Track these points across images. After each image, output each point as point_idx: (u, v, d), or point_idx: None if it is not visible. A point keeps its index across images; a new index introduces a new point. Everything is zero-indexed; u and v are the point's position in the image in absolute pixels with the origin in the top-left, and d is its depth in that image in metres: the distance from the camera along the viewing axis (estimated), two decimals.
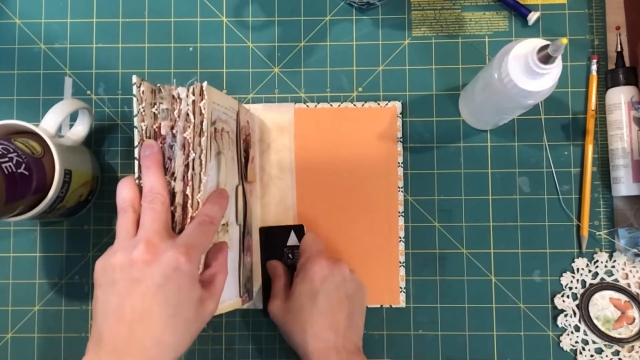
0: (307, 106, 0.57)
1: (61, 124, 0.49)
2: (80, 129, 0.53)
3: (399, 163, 0.56)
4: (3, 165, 0.43)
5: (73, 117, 0.54)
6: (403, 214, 0.56)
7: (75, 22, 0.58)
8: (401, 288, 0.55)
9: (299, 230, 0.55)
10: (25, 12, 0.58)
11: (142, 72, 0.57)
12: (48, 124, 0.48)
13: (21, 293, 0.56)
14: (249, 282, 0.54)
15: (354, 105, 0.57)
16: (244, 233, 0.52)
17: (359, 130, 0.56)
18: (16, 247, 0.56)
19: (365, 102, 0.57)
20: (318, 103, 0.57)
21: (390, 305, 0.55)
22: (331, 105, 0.57)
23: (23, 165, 0.44)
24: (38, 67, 0.58)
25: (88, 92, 0.58)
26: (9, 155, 0.44)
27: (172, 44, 0.58)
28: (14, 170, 0.43)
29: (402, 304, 0.55)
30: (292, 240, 0.54)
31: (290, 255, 0.54)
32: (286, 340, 0.50)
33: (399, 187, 0.56)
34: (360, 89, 0.57)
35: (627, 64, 0.55)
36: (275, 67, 0.58)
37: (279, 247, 0.55)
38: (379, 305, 0.55)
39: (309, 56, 0.58)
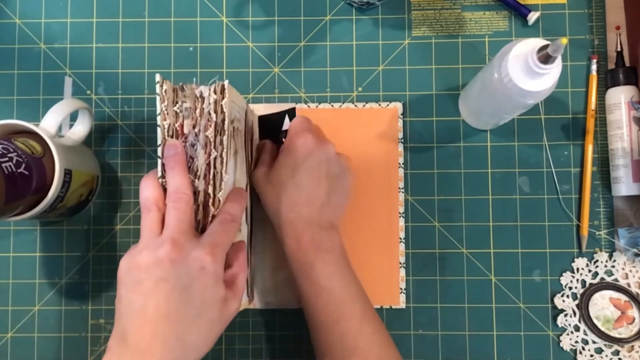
0: (309, 107, 0.57)
1: (61, 124, 0.49)
2: (80, 129, 0.53)
3: (399, 164, 0.56)
4: (3, 165, 0.43)
5: (73, 117, 0.54)
6: (403, 215, 0.56)
7: (75, 22, 0.58)
8: (401, 289, 0.55)
9: (292, 113, 0.55)
10: (25, 12, 0.58)
11: (142, 72, 0.58)
12: (48, 124, 0.48)
13: (21, 293, 0.56)
14: (253, 282, 0.54)
15: (355, 106, 0.57)
16: (251, 232, 0.53)
17: (359, 131, 0.56)
18: (16, 247, 0.56)
19: (367, 102, 0.57)
20: (319, 103, 0.57)
21: (390, 306, 0.55)
22: (332, 105, 0.57)
23: (23, 165, 0.44)
24: (38, 67, 0.58)
25: (88, 92, 0.58)
26: (9, 155, 0.44)
27: (172, 44, 0.58)
28: (14, 170, 0.43)
29: (402, 305, 0.55)
30: (287, 124, 0.55)
31: (284, 139, 0.53)
32: (264, 210, 0.50)
33: (399, 188, 0.56)
34: (360, 89, 0.57)
35: (627, 63, 0.55)
36: (275, 67, 0.58)
37: (276, 133, 0.55)
38: (379, 307, 0.55)
39: (309, 56, 0.58)
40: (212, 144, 0.42)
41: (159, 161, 0.42)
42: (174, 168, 0.41)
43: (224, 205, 0.42)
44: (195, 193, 0.42)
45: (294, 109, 0.55)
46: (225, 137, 0.42)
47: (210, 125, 0.42)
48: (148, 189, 0.42)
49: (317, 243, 0.46)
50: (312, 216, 0.47)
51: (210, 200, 0.42)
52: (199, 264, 0.39)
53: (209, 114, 0.42)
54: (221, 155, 0.42)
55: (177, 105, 0.42)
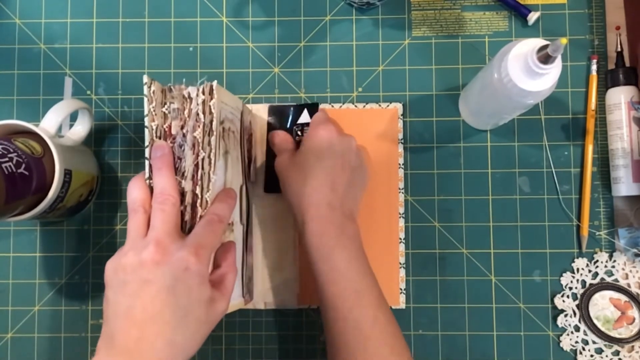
0: None
1: (61, 124, 0.49)
2: (80, 129, 0.53)
3: (399, 164, 0.56)
4: (3, 165, 0.43)
5: (73, 117, 0.54)
6: (403, 215, 0.56)
7: (75, 22, 0.58)
8: (401, 289, 0.55)
9: (313, 108, 0.55)
10: (25, 12, 0.58)
11: (142, 72, 0.57)
12: (48, 124, 0.48)
13: (21, 293, 0.56)
14: (250, 282, 0.54)
15: (355, 106, 0.57)
16: (247, 233, 0.52)
17: (360, 131, 0.56)
18: (16, 247, 0.56)
19: (367, 103, 0.57)
20: (319, 104, 0.57)
21: (391, 307, 0.55)
22: (332, 106, 0.57)
23: (23, 165, 0.44)
24: (38, 67, 0.58)
25: (88, 92, 0.58)
26: (9, 155, 0.44)
27: (172, 44, 0.58)
28: (14, 170, 0.43)
29: (402, 305, 0.55)
30: (304, 118, 0.54)
31: (299, 132, 0.53)
32: (284, 194, 0.50)
33: (399, 189, 0.56)
34: (360, 89, 0.57)
35: (627, 64, 0.55)
36: (275, 67, 0.58)
37: (290, 125, 0.55)
38: None
39: (309, 56, 0.58)
40: (200, 144, 0.42)
41: (147, 162, 0.42)
42: (161, 169, 0.41)
43: (211, 205, 0.42)
44: (183, 194, 0.42)
45: (317, 104, 0.55)
46: (213, 138, 0.42)
47: (199, 126, 0.42)
48: (135, 190, 0.42)
49: (339, 228, 0.47)
50: (335, 202, 0.47)
51: (198, 201, 0.42)
52: (184, 265, 0.39)
53: (197, 114, 0.42)
54: (209, 156, 0.42)
55: (166, 106, 0.42)
